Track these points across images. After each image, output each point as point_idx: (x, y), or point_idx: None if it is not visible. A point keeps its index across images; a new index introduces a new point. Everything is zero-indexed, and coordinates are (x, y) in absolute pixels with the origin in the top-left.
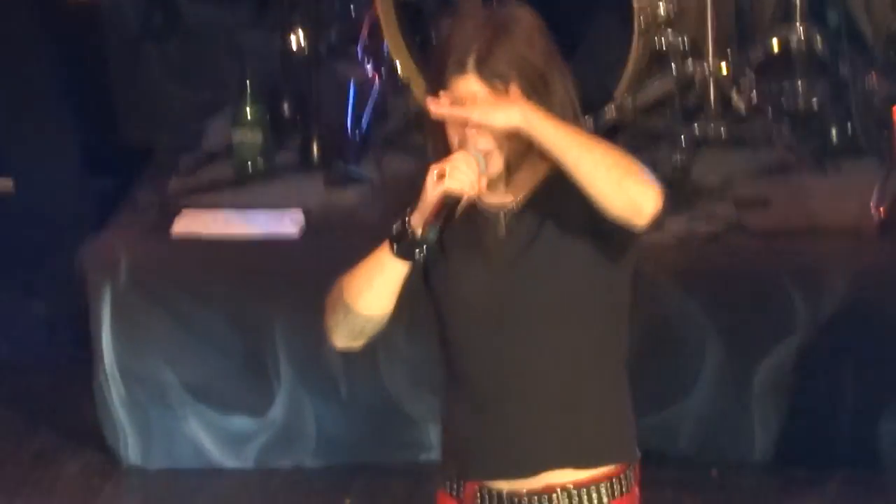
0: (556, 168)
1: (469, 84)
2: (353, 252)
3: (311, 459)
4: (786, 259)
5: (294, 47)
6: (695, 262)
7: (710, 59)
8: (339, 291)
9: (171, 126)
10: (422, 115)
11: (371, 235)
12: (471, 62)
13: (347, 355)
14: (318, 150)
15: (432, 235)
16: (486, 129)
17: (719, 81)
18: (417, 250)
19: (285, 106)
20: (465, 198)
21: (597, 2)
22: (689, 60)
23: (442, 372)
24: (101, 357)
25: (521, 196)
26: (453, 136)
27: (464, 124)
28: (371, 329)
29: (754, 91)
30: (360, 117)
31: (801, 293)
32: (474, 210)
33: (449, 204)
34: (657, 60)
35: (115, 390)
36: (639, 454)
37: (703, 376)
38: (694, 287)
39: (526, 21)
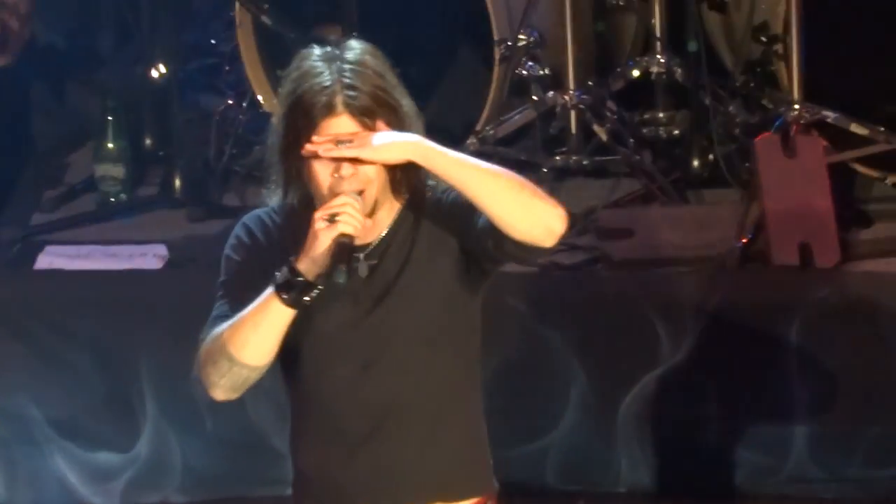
0: (408, 203)
1: (341, 124)
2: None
3: (177, 495)
4: (649, 289)
5: (155, 79)
6: (558, 293)
7: (571, 88)
8: (220, 345)
9: (33, 159)
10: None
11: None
12: (339, 102)
13: None
14: (180, 183)
15: (341, 279)
16: (366, 168)
17: (580, 111)
18: (307, 297)
19: (147, 139)
20: (355, 238)
21: (457, 33)
22: (550, 91)
23: (294, 410)
24: None
25: (379, 234)
26: (323, 179)
27: (341, 165)
28: (254, 378)
29: (615, 120)
30: (223, 149)
31: (664, 323)
32: None
33: (345, 246)
34: (518, 91)
35: None
36: (497, 486)
37: (568, 407)
38: (558, 318)
39: (373, 55)
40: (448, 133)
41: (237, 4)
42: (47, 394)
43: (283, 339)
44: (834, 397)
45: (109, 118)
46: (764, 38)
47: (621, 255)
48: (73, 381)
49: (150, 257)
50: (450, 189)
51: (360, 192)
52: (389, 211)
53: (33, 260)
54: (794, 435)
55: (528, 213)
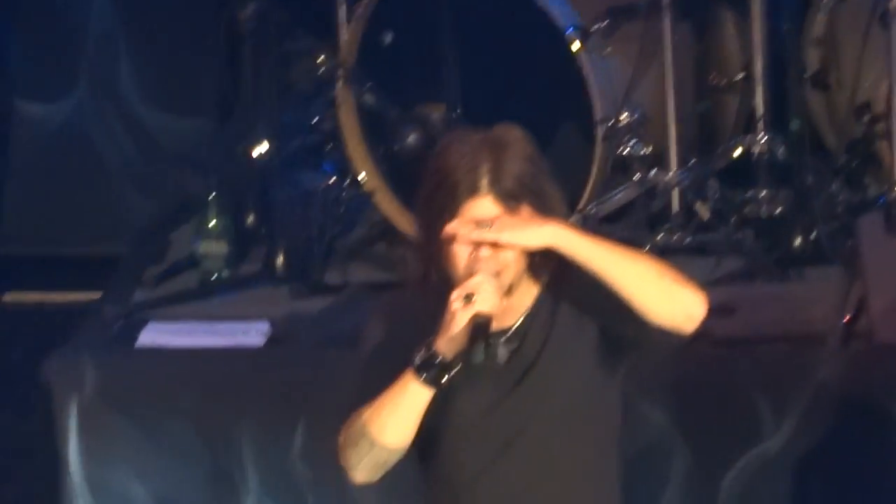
0: (547, 287)
1: (484, 206)
2: (319, 362)
3: None
4: (751, 367)
5: (257, 158)
6: (661, 371)
7: (674, 167)
8: (361, 427)
9: (135, 237)
10: (386, 225)
11: (337, 346)
12: (484, 184)
13: (317, 468)
14: (282, 259)
15: (479, 358)
16: (505, 251)
17: (682, 189)
18: (445, 377)
19: (249, 217)
20: (492, 318)
21: (559, 112)
22: (653, 169)
23: (430, 493)
24: (68, 469)
25: (518, 318)
26: (461, 259)
27: (480, 247)
28: (393, 461)
29: (717, 199)
30: (324, 227)
31: (766, 401)
32: None
33: (481, 325)
34: (620, 168)
35: (82, 502)
36: None
37: (669, 486)
38: (660, 396)
39: (520, 138)
40: None
41: (339, 83)
42: (150, 469)
43: (421, 423)
44: None
45: (212, 196)
46: (866, 118)
47: (723, 333)
48: (176, 457)
49: (253, 334)
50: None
51: (498, 274)
52: (528, 294)
53: (136, 337)
54: None
55: (669, 300)
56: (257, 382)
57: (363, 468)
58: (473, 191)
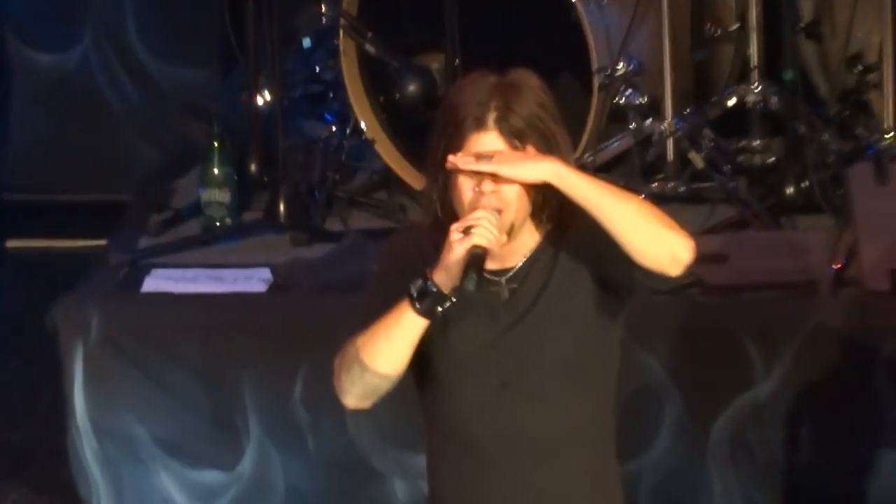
0: (553, 231)
1: (489, 141)
2: (319, 308)
3: None
4: (742, 314)
5: (260, 107)
6: (653, 318)
7: (669, 116)
8: (354, 352)
9: (140, 184)
10: (386, 173)
11: (337, 292)
12: (491, 119)
13: (317, 413)
14: (284, 208)
15: (471, 287)
16: (508, 186)
17: (677, 139)
18: (440, 307)
19: (252, 165)
20: (489, 252)
21: (556, 61)
22: (648, 118)
23: (429, 429)
24: (74, 413)
25: (520, 260)
26: (465, 194)
27: (482, 180)
28: (385, 388)
29: (711, 148)
30: (326, 175)
31: (757, 348)
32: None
33: (477, 257)
34: (616, 118)
35: (87, 445)
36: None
37: (662, 430)
38: (653, 342)
39: (535, 84)
40: None
41: (341, 33)
42: (153, 413)
43: (421, 358)
44: None
45: (215, 145)
46: (858, 68)
47: (715, 281)
48: (179, 402)
49: (255, 281)
50: (588, 221)
51: (499, 211)
52: (531, 238)
53: (140, 283)
54: (887, 457)
55: (656, 241)
56: (258, 328)
57: (354, 393)
58: (480, 125)
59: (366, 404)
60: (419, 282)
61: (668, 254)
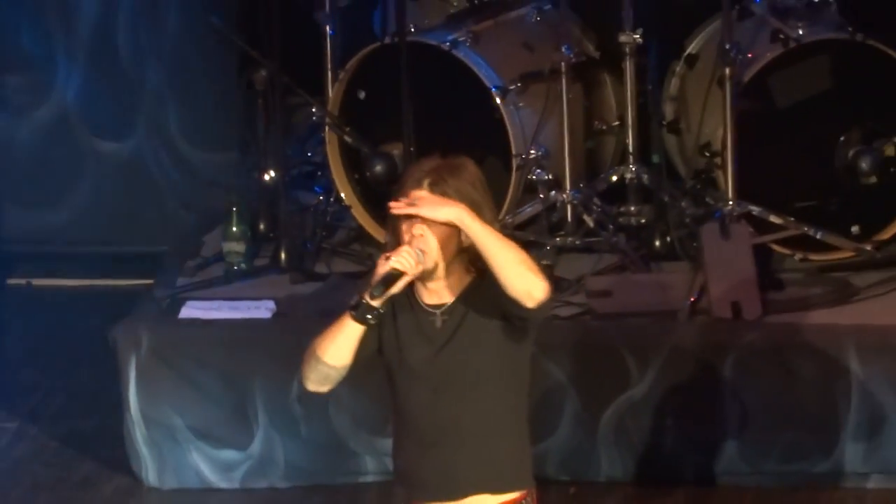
0: (477, 279)
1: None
2: (310, 331)
3: (281, 482)
4: (623, 334)
5: (267, 181)
6: (557, 337)
7: (568, 189)
8: (312, 347)
9: (178, 239)
10: (360, 230)
11: (325, 317)
12: (426, 184)
13: (308, 407)
14: (285, 255)
15: (377, 293)
16: (432, 233)
17: (574, 205)
18: (370, 316)
19: (261, 224)
20: (405, 276)
21: (486, 149)
22: (553, 190)
23: (393, 419)
24: (129, 407)
25: (451, 298)
26: (403, 237)
27: (413, 226)
28: (335, 377)
29: (599, 212)
30: (315, 232)
31: (634, 359)
32: (420, 308)
33: (391, 277)
34: (529, 190)
35: (139, 431)
36: (534, 482)
37: (563, 420)
38: (557, 356)
39: (469, 167)
40: None
41: (327, 128)
42: (187, 407)
43: (386, 365)
44: (756, 414)
45: (234, 209)
46: (707, 154)
47: (602, 310)
48: (206, 398)
49: (263, 310)
50: None
51: (423, 252)
52: (461, 282)
53: (178, 311)
54: (727, 440)
55: (520, 277)
56: (266, 344)
57: (311, 379)
58: (416, 184)
59: (323, 389)
60: (356, 297)
61: (525, 289)
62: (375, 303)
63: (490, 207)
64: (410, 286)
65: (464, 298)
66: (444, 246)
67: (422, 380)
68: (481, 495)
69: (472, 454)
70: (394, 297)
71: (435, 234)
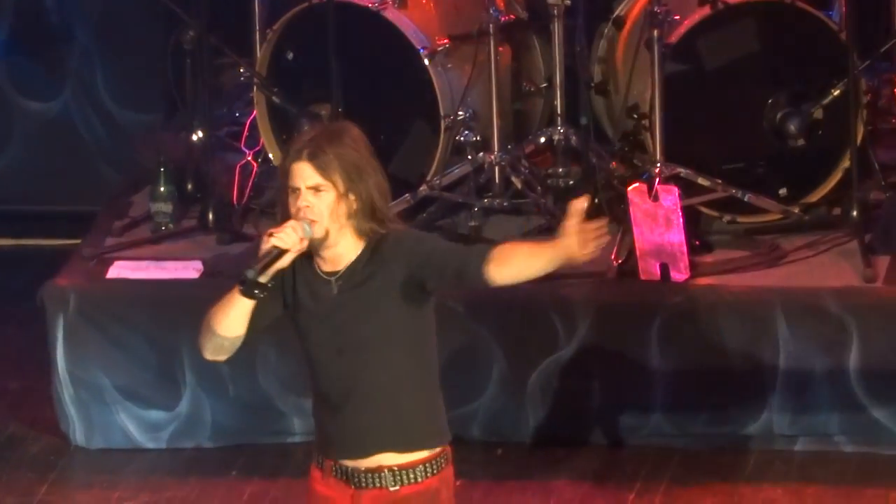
0: (366, 247)
1: (302, 169)
2: None
3: (208, 442)
4: (550, 295)
5: (195, 141)
6: (484, 298)
7: (496, 150)
8: (207, 319)
9: (106, 199)
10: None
11: None
12: (305, 154)
13: (235, 367)
14: (212, 216)
15: (258, 277)
16: (320, 202)
17: (502, 167)
18: (257, 290)
19: (189, 185)
20: (290, 251)
21: (414, 110)
22: (481, 152)
23: (308, 380)
24: (56, 367)
25: (344, 265)
26: (292, 209)
27: (298, 198)
28: (229, 346)
29: (527, 173)
30: (242, 192)
31: (561, 320)
32: (317, 275)
33: (270, 253)
34: (458, 152)
35: (66, 391)
36: (449, 439)
37: (491, 381)
38: (484, 316)
39: (352, 131)
40: (406, 182)
41: (255, 88)
42: (115, 367)
43: (295, 329)
44: (684, 375)
45: (162, 169)
46: (635, 115)
47: None
48: (134, 359)
49: (190, 270)
50: (412, 237)
51: (312, 222)
52: (353, 251)
53: (106, 271)
54: (655, 401)
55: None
56: (193, 304)
57: (208, 349)
58: (297, 157)
59: (219, 358)
60: (242, 272)
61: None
62: (262, 279)
63: (374, 168)
64: (308, 254)
65: (359, 264)
66: (332, 214)
67: (324, 345)
68: (387, 453)
69: (377, 414)
70: (294, 261)
71: (323, 204)
